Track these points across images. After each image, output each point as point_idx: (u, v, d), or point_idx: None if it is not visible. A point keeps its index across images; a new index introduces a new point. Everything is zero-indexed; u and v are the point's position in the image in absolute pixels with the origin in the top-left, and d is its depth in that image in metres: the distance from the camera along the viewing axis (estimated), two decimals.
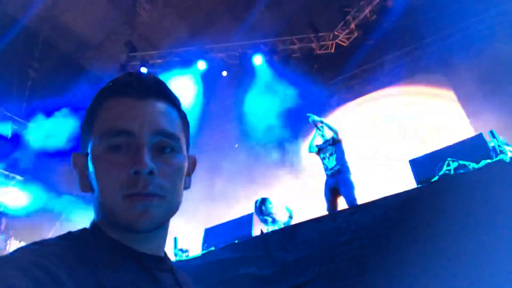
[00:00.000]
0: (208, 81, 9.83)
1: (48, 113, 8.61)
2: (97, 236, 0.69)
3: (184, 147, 0.77)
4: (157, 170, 0.68)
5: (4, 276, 0.49)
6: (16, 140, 8.62)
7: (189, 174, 0.81)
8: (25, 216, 8.30)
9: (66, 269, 0.55)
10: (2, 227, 8.37)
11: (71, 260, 0.58)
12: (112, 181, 0.67)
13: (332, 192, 5.11)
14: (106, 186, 0.67)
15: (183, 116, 0.80)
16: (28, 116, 8.76)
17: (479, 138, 3.13)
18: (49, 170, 8.17)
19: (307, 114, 5.65)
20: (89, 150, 0.71)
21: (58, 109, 8.48)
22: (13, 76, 8.32)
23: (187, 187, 0.80)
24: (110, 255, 0.66)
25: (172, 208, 0.72)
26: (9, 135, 8.53)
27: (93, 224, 0.72)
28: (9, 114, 8.58)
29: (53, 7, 8.59)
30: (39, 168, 8.38)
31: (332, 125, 5.42)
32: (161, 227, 0.73)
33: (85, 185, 0.73)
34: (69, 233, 0.68)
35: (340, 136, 5.33)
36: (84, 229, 0.72)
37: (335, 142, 5.31)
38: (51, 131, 8.50)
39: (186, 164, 0.77)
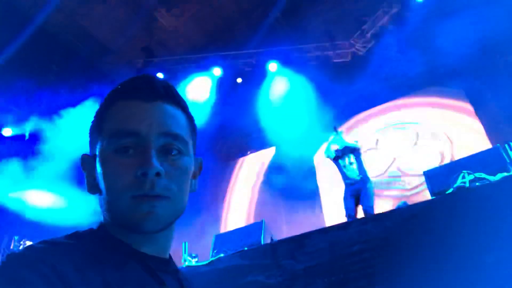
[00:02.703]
0: (224, 87, 9.88)
1: (66, 116, 8.76)
2: (103, 236, 0.70)
3: (191, 150, 0.78)
4: (164, 171, 0.68)
5: (14, 272, 0.52)
6: (34, 141, 8.79)
7: (195, 177, 0.82)
8: (41, 218, 8.41)
9: (73, 267, 0.56)
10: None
11: (78, 258, 0.59)
12: (120, 182, 0.67)
13: (352, 201, 5.09)
14: (113, 186, 0.68)
15: (190, 119, 0.82)
16: (46, 118, 8.92)
17: (495, 150, 3.06)
18: (66, 172, 8.29)
19: (336, 129, 5.69)
20: (97, 152, 0.72)
21: (76, 112, 8.62)
22: (33, 79, 8.50)
23: (193, 189, 0.80)
24: (115, 256, 0.66)
25: (178, 210, 0.72)
26: (27, 137, 8.71)
27: (100, 225, 0.73)
28: (28, 116, 8.77)
29: (73, 12, 8.79)
30: (56, 171, 8.51)
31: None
32: (166, 229, 0.73)
33: (93, 187, 0.73)
34: (76, 232, 0.69)
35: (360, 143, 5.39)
36: (91, 229, 0.73)
37: (355, 150, 5.31)
38: (69, 133, 8.64)
39: (192, 167, 0.78)
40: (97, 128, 0.75)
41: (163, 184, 0.68)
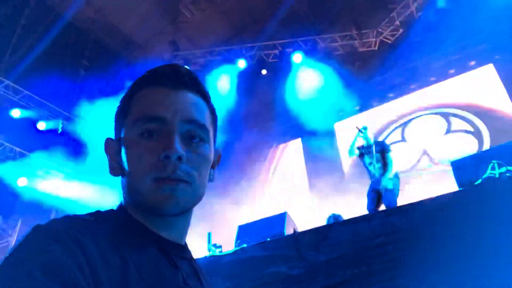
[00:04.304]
0: (248, 79, 9.87)
1: (97, 110, 8.99)
2: (123, 217, 0.73)
3: (212, 139, 0.80)
4: (185, 157, 0.70)
5: (39, 242, 0.55)
6: (66, 135, 9.09)
7: (214, 166, 0.83)
8: (75, 209, 8.72)
9: (93, 242, 0.59)
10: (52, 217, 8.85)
11: (98, 234, 0.62)
12: (143, 165, 0.69)
13: (375, 193, 5.00)
14: (136, 169, 0.70)
15: (212, 109, 0.83)
16: (78, 112, 9.20)
17: None
18: (96, 165, 8.54)
19: (358, 128, 5.32)
20: (122, 135, 0.75)
21: (106, 105, 8.84)
22: (65, 75, 8.78)
23: (211, 179, 0.81)
24: (133, 236, 0.69)
25: (196, 196, 0.74)
26: (59, 131, 9.02)
27: (120, 207, 0.76)
28: (60, 110, 9.07)
29: (102, 8, 8.99)
30: (88, 163, 8.79)
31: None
32: (184, 214, 0.76)
33: (115, 169, 0.76)
34: (98, 211, 0.72)
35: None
36: (111, 210, 0.76)
37: (382, 147, 5.14)
38: (100, 126, 8.88)
39: (212, 156, 0.79)
40: (123, 113, 0.77)
41: (184, 169, 0.70)
